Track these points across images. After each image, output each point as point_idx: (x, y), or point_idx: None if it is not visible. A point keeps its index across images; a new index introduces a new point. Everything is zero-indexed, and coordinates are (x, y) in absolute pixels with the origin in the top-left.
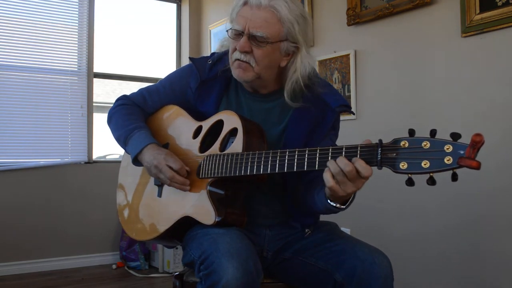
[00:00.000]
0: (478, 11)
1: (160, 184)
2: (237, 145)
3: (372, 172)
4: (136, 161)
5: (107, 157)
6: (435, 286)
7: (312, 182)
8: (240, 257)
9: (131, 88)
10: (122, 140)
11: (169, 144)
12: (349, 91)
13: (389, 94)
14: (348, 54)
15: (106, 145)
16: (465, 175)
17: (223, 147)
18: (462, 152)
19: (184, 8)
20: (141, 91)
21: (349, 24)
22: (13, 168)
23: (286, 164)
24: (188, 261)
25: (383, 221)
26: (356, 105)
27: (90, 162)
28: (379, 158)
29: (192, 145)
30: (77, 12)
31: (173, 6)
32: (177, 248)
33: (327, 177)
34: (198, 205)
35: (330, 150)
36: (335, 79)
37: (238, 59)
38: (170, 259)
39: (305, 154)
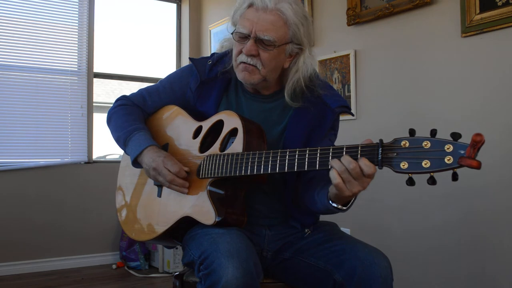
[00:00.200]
0: (478, 11)
1: (160, 184)
2: (237, 145)
3: (376, 170)
4: (136, 163)
5: (107, 157)
6: (436, 284)
7: (311, 182)
8: (240, 257)
9: (131, 88)
10: (121, 141)
11: (169, 145)
12: (349, 91)
13: (389, 94)
14: (348, 54)
15: (106, 145)
16: (465, 171)
17: (223, 147)
18: (462, 151)
19: (184, 8)
20: (140, 91)
21: (349, 24)
22: (13, 168)
23: (286, 164)
24: (188, 261)
25: (383, 221)
26: (356, 105)
27: (90, 162)
28: (379, 158)
29: (192, 145)
30: (77, 12)
31: (173, 6)
32: (177, 248)
33: (333, 174)
34: (198, 205)
35: (331, 150)
36: (335, 79)
37: (244, 62)
38: (170, 259)
39: (306, 154)
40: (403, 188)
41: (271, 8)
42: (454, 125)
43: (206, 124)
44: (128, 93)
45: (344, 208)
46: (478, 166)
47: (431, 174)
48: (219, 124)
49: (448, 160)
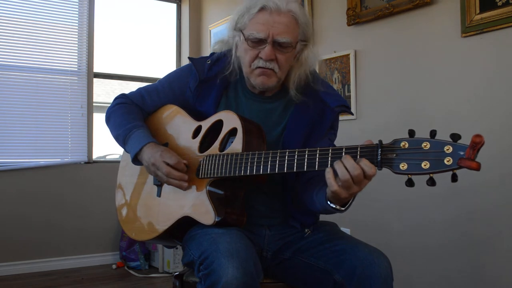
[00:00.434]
0: (478, 11)
1: (159, 184)
2: (236, 145)
3: (376, 172)
4: (136, 160)
5: (107, 157)
6: (436, 283)
7: (310, 182)
8: (240, 257)
9: (131, 88)
10: (121, 139)
11: (168, 144)
12: (349, 91)
13: (389, 94)
14: (348, 54)
15: (106, 145)
16: (464, 170)
17: (222, 147)
18: (462, 153)
19: (184, 8)
20: (139, 90)
21: (349, 24)
22: (13, 168)
23: (286, 165)
24: (188, 261)
25: (383, 220)
26: (356, 105)
27: (90, 162)
28: (379, 159)
29: (191, 145)
30: (77, 12)
31: (173, 6)
32: (177, 248)
33: (330, 181)
34: (198, 205)
35: (330, 151)
36: (335, 79)
37: (262, 67)
38: (170, 259)
39: (305, 155)
40: (403, 187)
41: (284, 10)
42: (454, 125)
43: (206, 124)
44: (128, 93)
45: (342, 209)
46: (477, 168)
47: (431, 175)
48: (219, 124)
49: (448, 161)
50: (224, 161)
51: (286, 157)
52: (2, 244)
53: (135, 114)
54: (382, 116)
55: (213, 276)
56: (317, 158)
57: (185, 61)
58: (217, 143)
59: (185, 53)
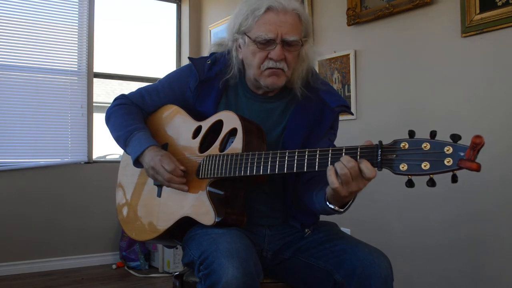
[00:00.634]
0: (478, 11)
1: (159, 184)
2: (236, 145)
3: (376, 175)
4: (137, 163)
5: (107, 157)
6: (436, 283)
7: (310, 182)
8: (240, 257)
9: (131, 88)
10: (122, 141)
11: (169, 144)
12: (349, 91)
13: (389, 94)
14: (348, 54)
15: (106, 145)
16: (464, 171)
17: (222, 147)
18: (462, 154)
19: (184, 8)
20: (139, 90)
21: (349, 24)
22: (13, 168)
23: (286, 165)
24: (188, 261)
25: (383, 220)
26: (356, 105)
27: (90, 162)
28: (379, 160)
29: (191, 145)
30: (77, 12)
31: (173, 6)
32: (177, 248)
33: (332, 179)
34: (198, 205)
35: (330, 151)
36: (335, 79)
37: (272, 67)
38: (170, 259)
39: (305, 155)
40: (403, 188)
41: (289, 9)
42: (454, 125)
43: (206, 124)
44: (126, 93)
45: (341, 210)
46: (477, 169)
47: (431, 176)
48: (219, 124)
49: (448, 162)
50: (224, 161)
51: (286, 158)
52: (2, 244)
53: (135, 114)
54: (382, 116)
55: (213, 276)
56: (317, 159)
57: (185, 61)
58: (217, 143)
59: (185, 53)
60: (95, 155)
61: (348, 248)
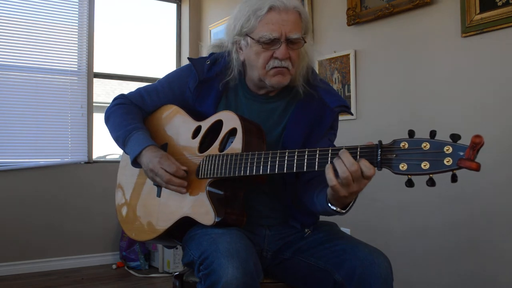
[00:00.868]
0: (478, 11)
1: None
2: (236, 145)
3: (375, 172)
4: (136, 163)
5: (107, 157)
6: (436, 284)
7: (310, 183)
8: (240, 257)
9: (131, 88)
10: (120, 141)
11: (168, 144)
12: (349, 91)
13: (389, 94)
14: (348, 54)
15: (106, 145)
16: (464, 171)
17: (222, 147)
18: (461, 153)
19: (184, 8)
20: (139, 90)
21: (349, 24)
22: (13, 168)
23: (285, 165)
24: (188, 261)
25: (383, 221)
26: (356, 105)
27: (90, 162)
28: (378, 159)
29: (191, 145)
30: (77, 12)
31: (173, 6)
32: (177, 248)
33: (330, 176)
34: (198, 206)
35: (330, 151)
36: (335, 79)
37: (277, 67)
38: (170, 259)
39: (305, 155)
40: (403, 188)
41: (290, 7)
42: (454, 125)
43: (205, 124)
44: (125, 93)
45: (343, 211)
46: (477, 168)
47: (430, 175)
48: (219, 124)
49: (448, 161)
50: (224, 161)
51: (286, 158)
52: (2, 244)
53: (134, 114)
54: (382, 116)
55: (213, 276)
56: (317, 159)
57: (185, 61)
58: (217, 143)
59: (185, 53)
60: (95, 155)
61: (348, 248)
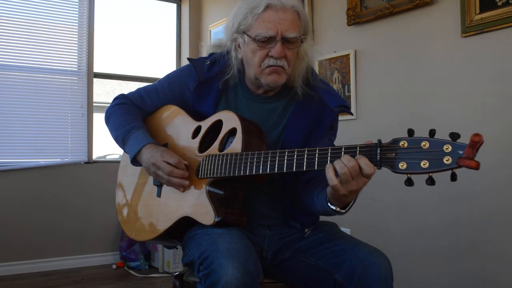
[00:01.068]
0: (478, 11)
1: (159, 184)
2: (236, 145)
3: (375, 171)
4: (135, 161)
5: (107, 157)
6: (436, 284)
7: (310, 183)
8: (240, 257)
9: (131, 88)
10: (120, 140)
11: (168, 144)
12: (349, 91)
13: (389, 94)
14: (348, 54)
15: (106, 145)
16: (464, 171)
17: (222, 147)
18: (461, 152)
19: (184, 8)
20: (139, 90)
21: (349, 24)
22: (13, 168)
23: (285, 164)
24: (188, 261)
25: (383, 220)
26: (356, 105)
27: (90, 162)
28: (378, 158)
29: (191, 145)
30: (77, 12)
31: (173, 6)
32: (177, 248)
33: (330, 175)
34: (198, 205)
35: (330, 150)
36: (335, 79)
37: (272, 65)
38: (170, 259)
39: (305, 154)
40: (403, 188)
41: (288, 6)
42: (454, 125)
43: (205, 124)
44: (126, 93)
45: (343, 211)
46: (476, 167)
47: (430, 174)
48: (218, 124)
49: (447, 160)
50: (224, 161)
51: (286, 157)
52: (2, 244)
53: (134, 114)
54: (382, 116)
55: (213, 276)
56: (316, 158)
57: (185, 61)
58: (216, 143)
59: (185, 53)
60: (95, 155)
61: (348, 248)
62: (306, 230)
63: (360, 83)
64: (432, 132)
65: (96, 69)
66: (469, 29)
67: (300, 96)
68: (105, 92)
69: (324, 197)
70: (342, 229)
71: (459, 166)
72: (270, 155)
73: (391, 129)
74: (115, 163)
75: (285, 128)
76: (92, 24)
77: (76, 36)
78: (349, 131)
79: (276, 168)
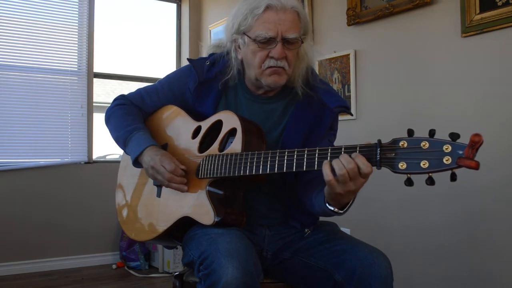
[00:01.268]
0: (478, 11)
1: (159, 185)
2: (236, 145)
3: (372, 170)
4: (137, 163)
5: (107, 157)
6: (436, 283)
7: (310, 183)
8: (240, 257)
9: (131, 88)
10: (121, 141)
11: (168, 144)
12: (349, 91)
13: (389, 94)
14: (348, 54)
15: (106, 145)
16: (464, 170)
17: (222, 147)
18: (461, 152)
19: (184, 8)
20: (139, 91)
21: (349, 24)
22: (13, 168)
23: (285, 164)
24: (187, 261)
25: (383, 220)
26: (356, 105)
27: (90, 162)
28: (378, 158)
29: (191, 145)
30: (77, 12)
31: (173, 6)
32: (177, 248)
33: (326, 171)
34: (198, 205)
35: (329, 150)
36: (335, 79)
37: (273, 66)
38: (170, 259)
39: (304, 154)
40: (403, 187)
41: (288, 7)
42: (454, 125)
43: (205, 124)
44: (126, 93)
45: (341, 211)
46: (476, 167)
47: (430, 174)
48: (218, 124)
49: (447, 160)
50: (224, 161)
51: (286, 157)
52: (2, 244)
53: (134, 115)
54: (382, 116)
55: (213, 276)
56: (316, 158)
57: (185, 61)
58: (216, 143)
59: (185, 53)
60: (95, 155)
61: (348, 248)
62: (306, 230)
63: (360, 83)
64: (432, 132)
65: (96, 69)
66: (469, 29)
67: (300, 97)
68: (105, 92)
69: (322, 198)
70: (342, 229)
71: (459, 166)
72: (270, 155)
73: (391, 129)
74: (115, 163)
75: (285, 129)
76: (92, 24)
77: (76, 36)
78: (349, 131)
79: (276, 168)
